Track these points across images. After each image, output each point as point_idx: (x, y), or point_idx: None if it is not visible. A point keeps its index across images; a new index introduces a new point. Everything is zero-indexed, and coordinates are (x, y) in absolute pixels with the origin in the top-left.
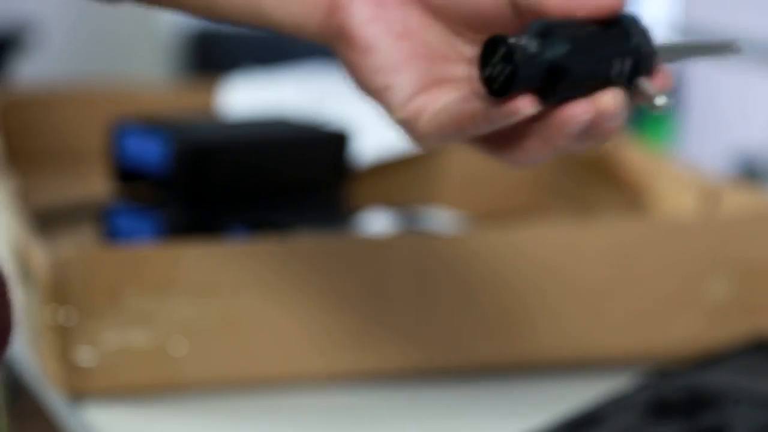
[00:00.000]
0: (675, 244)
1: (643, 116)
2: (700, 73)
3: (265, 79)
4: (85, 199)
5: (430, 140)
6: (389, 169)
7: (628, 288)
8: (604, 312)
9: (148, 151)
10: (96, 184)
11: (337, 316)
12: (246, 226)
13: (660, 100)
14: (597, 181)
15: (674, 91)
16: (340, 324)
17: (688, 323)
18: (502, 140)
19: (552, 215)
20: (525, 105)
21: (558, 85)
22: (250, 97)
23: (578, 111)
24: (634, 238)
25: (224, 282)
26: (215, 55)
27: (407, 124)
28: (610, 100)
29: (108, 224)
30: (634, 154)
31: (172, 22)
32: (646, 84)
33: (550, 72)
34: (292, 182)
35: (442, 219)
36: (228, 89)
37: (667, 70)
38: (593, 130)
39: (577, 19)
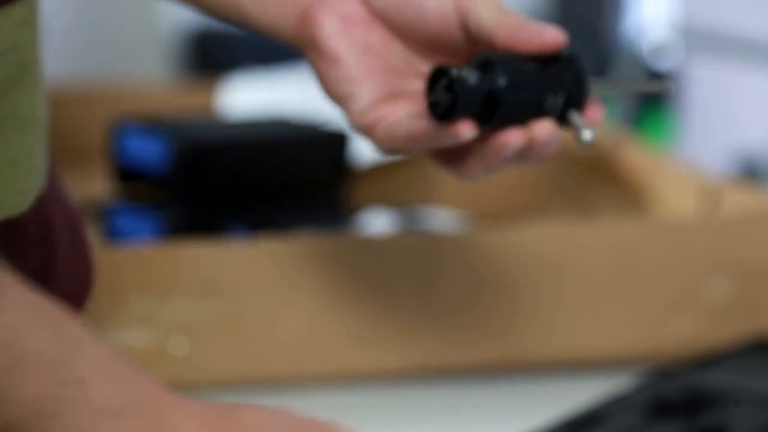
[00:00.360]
0: (675, 244)
1: (643, 116)
2: (701, 73)
3: (266, 79)
4: (85, 199)
5: (385, 149)
6: (389, 169)
7: (628, 288)
8: (604, 312)
9: (148, 150)
10: (96, 184)
11: (337, 316)
12: (246, 226)
13: (586, 135)
14: (597, 181)
15: (675, 91)
16: (341, 324)
17: (688, 323)
18: (449, 155)
19: (552, 215)
20: (465, 130)
21: (495, 113)
22: (250, 96)
23: (512, 138)
24: (634, 238)
25: (225, 282)
26: (216, 54)
27: (365, 132)
28: (543, 129)
29: (108, 224)
30: (635, 154)
31: (173, 21)
32: (576, 118)
33: (487, 102)
34: (293, 182)
35: (442, 219)
36: (228, 89)
37: (599, 105)
38: (527, 153)
39: (519, 54)
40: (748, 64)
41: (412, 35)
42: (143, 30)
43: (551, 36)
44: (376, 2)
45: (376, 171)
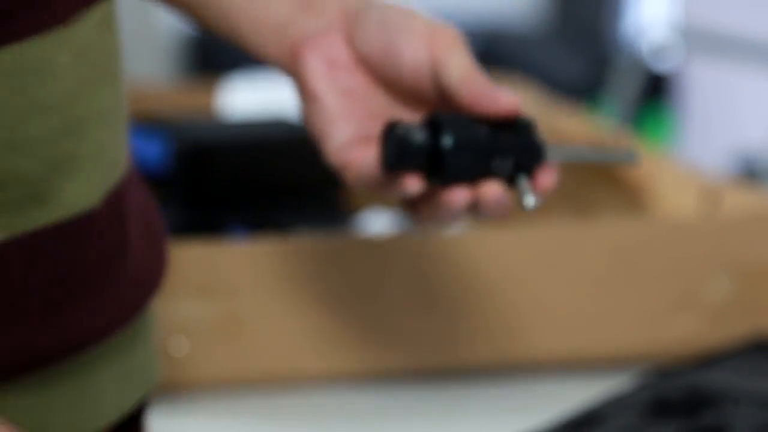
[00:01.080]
0: (675, 245)
1: (643, 116)
2: (700, 74)
3: (265, 80)
4: None
5: (357, 188)
6: None
7: (628, 288)
8: (604, 312)
9: (148, 151)
10: None
11: (336, 317)
12: (246, 226)
13: (528, 202)
14: (597, 181)
15: (675, 92)
16: (340, 324)
17: (688, 323)
18: (410, 202)
19: (552, 215)
20: (409, 184)
21: (440, 171)
22: (249, 97)
23: (457, 197)
24: (634, 239)
25: (225, 282)
26: (215, 55)
27: (338, 170)
28: (489, 190)
29: None
30: None
31: (173, 23)
32: (523, 183)
33: (433, 160)
34: (292, 182)
35: None
36: (228, 89)
37: (552, 172)
38: (478, 210)
39: (477, 114)
40: (748, 65)
41: (391, 83)
42: (143, 31)
43: (506, 101)
44: (361, 49)
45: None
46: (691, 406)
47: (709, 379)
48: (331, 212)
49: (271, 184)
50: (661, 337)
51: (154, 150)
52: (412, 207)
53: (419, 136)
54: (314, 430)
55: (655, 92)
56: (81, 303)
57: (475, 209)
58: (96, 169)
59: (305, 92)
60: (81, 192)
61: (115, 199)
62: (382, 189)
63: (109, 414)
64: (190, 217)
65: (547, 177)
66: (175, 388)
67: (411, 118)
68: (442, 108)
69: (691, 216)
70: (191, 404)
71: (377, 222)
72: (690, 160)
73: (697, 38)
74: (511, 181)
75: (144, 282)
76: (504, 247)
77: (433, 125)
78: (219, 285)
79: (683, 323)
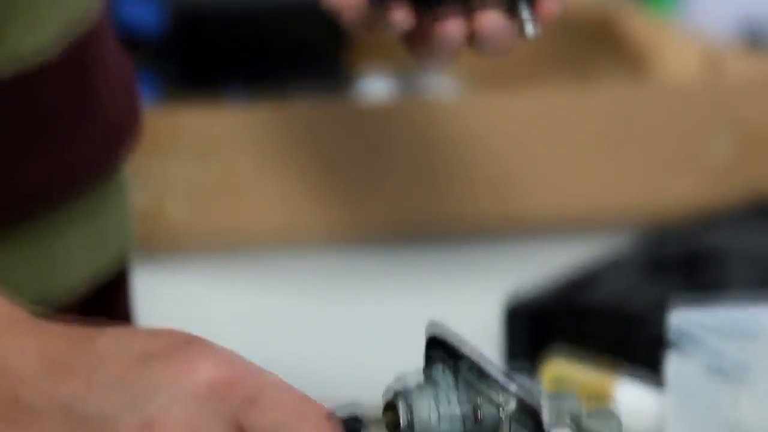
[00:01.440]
0: (676, 107)
1: None
2: None
3: None
4: None
5: (352, 28)
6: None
7: (627, 150)
8: (603, 173)
9: (145, 15)
10: None
11: (332, 179)
12: (245, 88)
13: (529, 29)
14: (599, 47)
15: None
16: (335, 186)
17: (688, 184)
18: (409, 39)
19: (552, 80)
20: (399, 17)
21: (428, 2)
22: None
23: (451, 28)
24: (634, 102)
25: (223, 144)
26: None
27: (334, 11)
28: (486, 19)
29: None
30: (637, 20)
31: None
32: (524, 8)
33: None
34: (291, 47)
35: (441, 83)
36: None
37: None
38: (477, 43)
39: None
40: None
41: None
42: None
43: None
44: None
45: (376, 35)
46: (689, 264)
47: (708, 239)
48: (331, 76)
49: (269, 49)
50: (661, 197)
51: (149, 14)
52: (410, 44)
53: None
54: (308, 289)
55: None
56: (38, 154)
57: (473, 41)
58: (53, 15)
59: None
60: (36, 39)
61: (78, 51)
62: (377, 27)
63: (79, 277)
64: (187, 80)
65: (552, 3)
66: (173, 248)
67: None
68: None
69: (693, 80)
70: (187, 264)
71: (377, 86)
72: (693, 25)
73: None
74: (512, 11)
75: (113, 138)
76: (503, 111)
77: None
78: (217, 147)
79: (684, 184)
